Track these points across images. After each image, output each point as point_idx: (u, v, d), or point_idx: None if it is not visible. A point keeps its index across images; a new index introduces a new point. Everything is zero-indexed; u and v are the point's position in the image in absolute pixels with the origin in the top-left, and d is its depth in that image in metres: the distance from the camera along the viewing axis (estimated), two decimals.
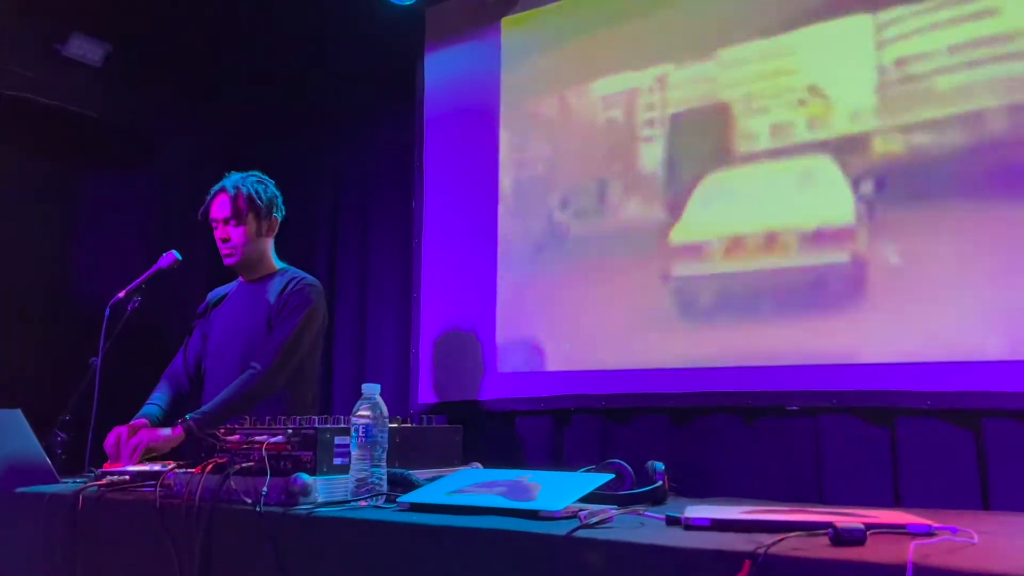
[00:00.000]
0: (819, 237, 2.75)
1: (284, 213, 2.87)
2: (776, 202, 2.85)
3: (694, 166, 3.05)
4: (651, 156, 3.15)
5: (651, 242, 3.08)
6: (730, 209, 2.93)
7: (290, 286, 2.74)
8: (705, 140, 3.04)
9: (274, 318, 2.71)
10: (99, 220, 4.23)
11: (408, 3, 3.80)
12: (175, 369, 2.87)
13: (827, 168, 2.76)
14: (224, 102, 4.34)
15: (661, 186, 3.10)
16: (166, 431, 2.45)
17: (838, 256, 2.70)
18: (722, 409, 2.87)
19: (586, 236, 3.26)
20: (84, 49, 3.89)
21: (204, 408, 2.50)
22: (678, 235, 3.03)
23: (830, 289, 2.71)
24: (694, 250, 2.98)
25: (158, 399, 2.73)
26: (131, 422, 2.54)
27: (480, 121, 3.63)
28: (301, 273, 2.82)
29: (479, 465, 2.16)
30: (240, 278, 2.88)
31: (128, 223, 4.19)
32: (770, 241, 2.84)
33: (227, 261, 2.78)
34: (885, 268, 2.62)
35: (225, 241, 2.75)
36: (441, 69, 3.84)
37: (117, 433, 2.44)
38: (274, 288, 2.77)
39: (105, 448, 2.43)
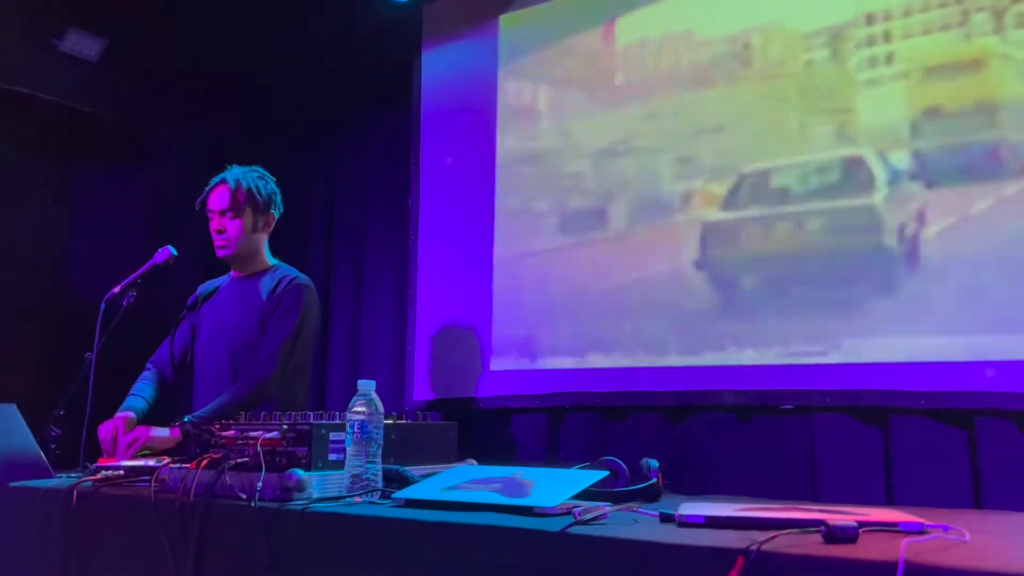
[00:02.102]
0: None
1: (282, 211, 2.87)
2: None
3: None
4: (658, 154, 3.15)
5: (648, 239, 3.08)
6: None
7: (282, 284, 2.74)
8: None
9: (266, 317, 2.71)
10: (95, 215, 4.22)
11: (405, 0, 3.80)
12: (161, 359, 2.86)
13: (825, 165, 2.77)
14: (221, 99, 4.33)
15: (662, 188, 3.11)
16: (164, 432, 2.44)
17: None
18: (716, 407, 2.88)
19: (583, 234, 3.26)
20: (81, 44, 3.89)
21: (202, 412, 2.48)
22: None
23: (823, 288, 2.71)
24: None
25: (143, 390, 2.73)
26: (117, 414, 2.54)
27: (477, 118, 3.63)
28: (293, 271, 2.82)
29: (474, 462, 2.16)
30: (232, 272, 2.88)
31: (124, 218, 4.18)
32: (765, 232, 2.84)
33: (220, 253, 2.78)
34: (880, 265, 2.63)
35: (220, 232, 2.75)
36: (438, 66, 3.84)
37: (114, 426, 2.44)
38: (266, 285, 2.76)
39: (100, 440, 2.43)
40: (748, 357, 2.82)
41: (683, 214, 3.02)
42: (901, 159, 2.64)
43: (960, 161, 2.55)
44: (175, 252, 2.74)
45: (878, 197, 2.66)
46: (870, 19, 2.77)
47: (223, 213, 2.75)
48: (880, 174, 2.67)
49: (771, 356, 2.78)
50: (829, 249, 2.73)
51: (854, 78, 2.76)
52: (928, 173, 2.59)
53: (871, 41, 2.75)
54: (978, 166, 2.52)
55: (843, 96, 2.77)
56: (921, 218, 2.58)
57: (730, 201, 2.93)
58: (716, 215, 2.96)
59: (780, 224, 2.83)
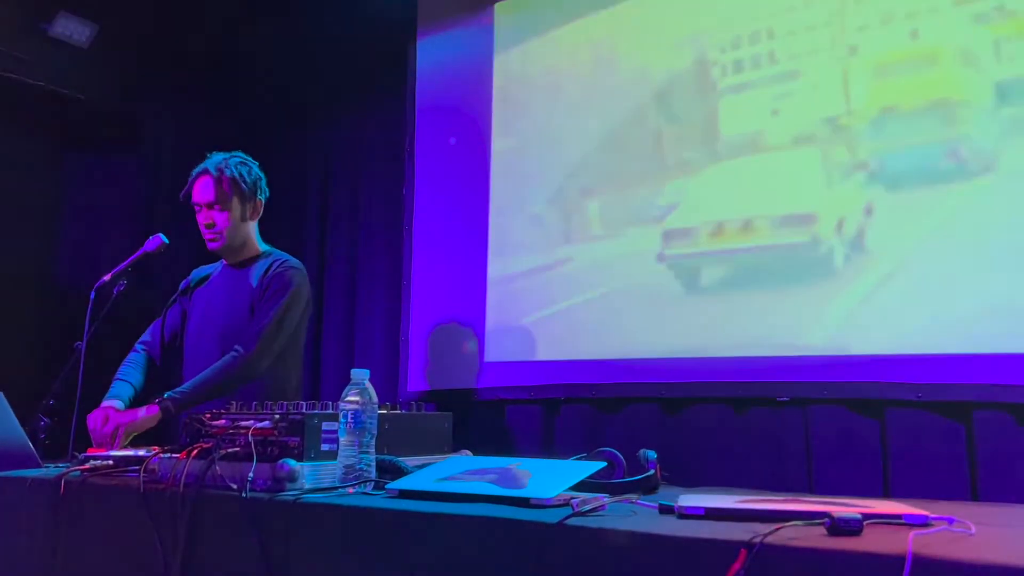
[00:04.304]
0: (806, 220, 2.74)
1: (268, 194, 2.82)
2: (771, 190, 2.84)
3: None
4: (649, 139, 3.13)
5: (642, 229, 3.06)
6: (726, 197, 2.92)
7: (272, 269, 2.70)
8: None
9: (256, 302, 2.67)
10: (85, 202, 4.18)
11: None
12: (150, 341, 2.82)
13: (820, 157, 2.75)
14: (212, 84, 4.29)
15: (659, 170, 3.08)
16: (141, 412, 2.41)
17: (828, 242, 2.69)
18: (712, 399, 2.86)
19: (578, 225, 3.24)
20: (70, 29, 3.84)
21: (182, 388, 2.47)
22: (671, 221, 3.01)
23: (822, 278, 2.70)
24: (684, 233, 2.97)
25: (131, 375, 2.69)
26: (104, 402, 2.51)
27: (472, 107, 3.60)
28: (284, 255, 2.78)
29: (469, 453, 2.14)
30: (223, 260, 2.84)
31: (114, 205, 4.14)
32: (746, 225, 2.84)
33: (211, 246, 2.74)
34: (876, 259, 2.61)
35: (209, 226, 2.71)
36: (433, 54, 3.81)
37: (104, 415, 2.40)
38: (257, 272, 2.73)
39: (90, 430, 2.40)
40: (743, 349, 2.80)
41: (665, 210, 3.02)
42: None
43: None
44: (166, 240, 2.70)
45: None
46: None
47: (210, 206, 2.69)
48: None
49: (766, 348, 2.76)
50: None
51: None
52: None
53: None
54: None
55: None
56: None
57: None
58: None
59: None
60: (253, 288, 2.69)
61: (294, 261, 2.76)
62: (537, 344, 3.28)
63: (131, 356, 2.77)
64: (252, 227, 2.79)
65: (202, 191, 2.70)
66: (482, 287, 3.46)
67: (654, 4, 3.18)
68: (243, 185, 2.71)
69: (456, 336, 3.53)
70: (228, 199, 2.69)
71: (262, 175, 2.80)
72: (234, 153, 2.77)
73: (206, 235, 2.72)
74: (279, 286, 2.66)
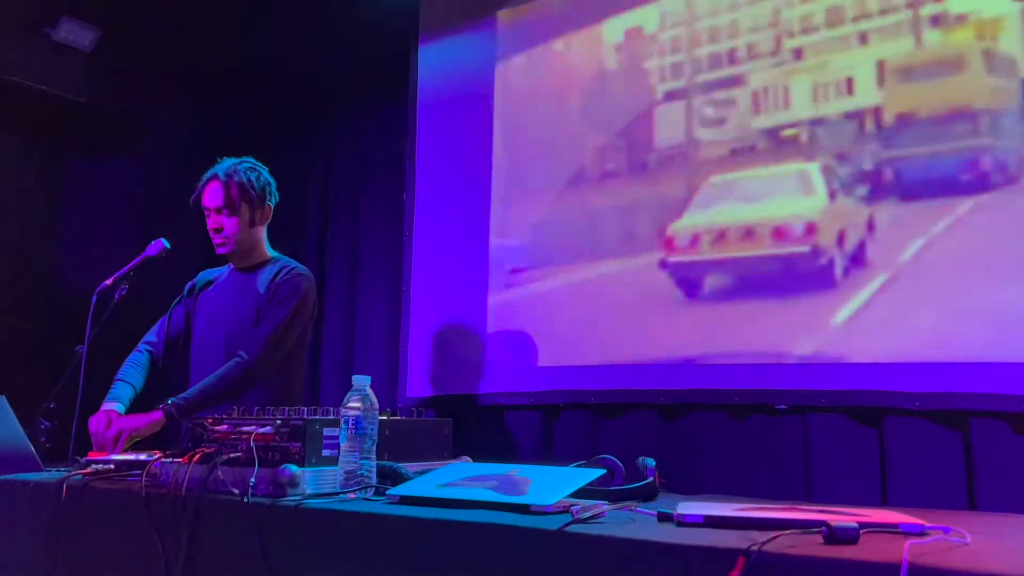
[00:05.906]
0: (808, 230, 2.75)
1: (277, 199, 2.84)
2: (770, 201, 2.85)
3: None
4: (651, 148, 3.14)
5: (644, 235, 3.08)
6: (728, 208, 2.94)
7: (280, 275, 2.72)
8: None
9: (263, 308, 2.69)
10: (87, 206, 4.19)
11: None
12: (154, 341, 2.83)
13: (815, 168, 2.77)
14: (214, 88, 4.31)
15: (662, 178, 3.10)
16: (146, 417, 2.42)
17: (827, 252, 2.71)
18: (711, 407, 2.86)
19: (579, 230, 3.25)
20: (74, 34, 3.86)
21: (186, 394, 2.47)
22: (673, 229, 3.02)
23: (822, 287, 2.71)
24: (686, 241, 2.98)
25: (132, 376, 2.70)
26: (105, 404, 2.52)
27: (474, 113, 3.61)
28: (293, 262, 2.80)
29: (469, 459, 2.15)
30: (230, 264, 2.85)
31: (116, 209, 4.15)
32: (748, 235, 2.85)
33: (220, 251, 2.75)
34: (876, 266, 2.62)
35: (218, 231, 2.72)
36: (435, 60, 3.82)
37: (107, 419, 2.41)
38: (265, 278, 2.74)
39: (91, 433, 2.41)
40: (742, 357, 2.81)
41: (667, 218, 3.03)
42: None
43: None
44: (168, 245, 2.72)
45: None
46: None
47: (218, 211, 2.71)
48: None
49: (765, 356, 2.77)
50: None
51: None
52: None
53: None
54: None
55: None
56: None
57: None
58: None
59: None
60: (260, 294, 2.70)
61: (302, 268, 2.77)
62: (537, 350, 3.29)
63: (134, 356, 2.77)
64: (261, 232, 2.81)
65: (211, 196, 2.72)
66: (483, 292, 3.46)
67: (657, 13, 3.19)
68: (251, 191, 2.73)
69: (456, 342, 3.53)
70: (236, 204, 2.71)
71: (271, 181, 2.82)
72: (244, 159, 2.79)
73: (215, 240, 2.74)
74: (286, 292, 2.67)
